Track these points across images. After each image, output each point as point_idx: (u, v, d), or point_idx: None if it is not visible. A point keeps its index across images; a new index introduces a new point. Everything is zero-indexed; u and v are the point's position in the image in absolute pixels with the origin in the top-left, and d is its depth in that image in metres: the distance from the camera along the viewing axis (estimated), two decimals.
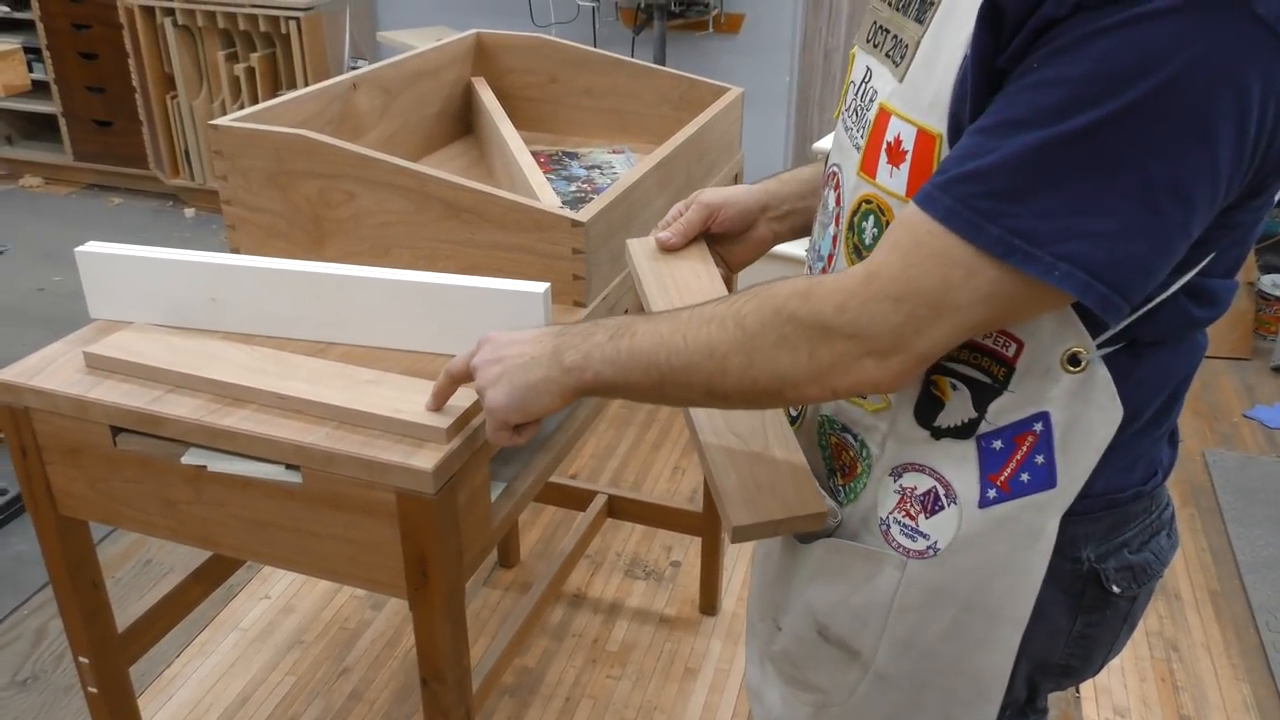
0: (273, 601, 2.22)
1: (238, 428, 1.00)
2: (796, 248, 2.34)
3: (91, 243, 1.19)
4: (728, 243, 1.11)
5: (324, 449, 0.98)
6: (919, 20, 0.76)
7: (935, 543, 0.82)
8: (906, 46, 0.77)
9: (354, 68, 4.00)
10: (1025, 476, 0.79)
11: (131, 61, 4.04)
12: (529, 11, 3.86)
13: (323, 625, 2.16)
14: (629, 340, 0.79)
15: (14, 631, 2.12)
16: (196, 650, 2.07)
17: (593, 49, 1.84)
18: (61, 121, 4.29)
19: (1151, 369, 0.78)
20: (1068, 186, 0.63)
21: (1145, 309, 0.73)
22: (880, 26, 0.83)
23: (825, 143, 2.28)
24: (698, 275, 1.05)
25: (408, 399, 1.01)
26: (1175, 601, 2.23)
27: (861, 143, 0.81)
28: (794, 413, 0.95)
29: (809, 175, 1.09)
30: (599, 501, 2.14)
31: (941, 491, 0.82)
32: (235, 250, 1.36)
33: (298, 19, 3.77)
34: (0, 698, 1.95)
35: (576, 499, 2.19)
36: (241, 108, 3.96)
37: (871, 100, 0.81)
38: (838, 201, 0.86)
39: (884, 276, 0.69)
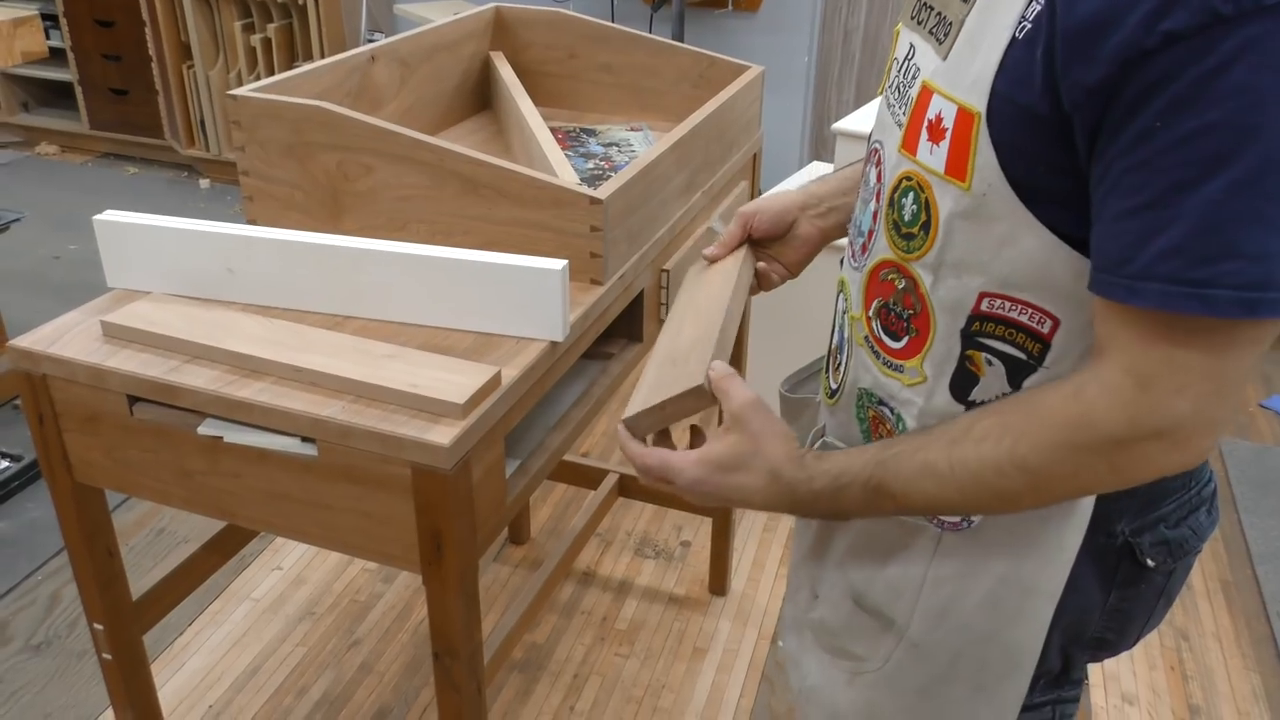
0: (284, 573, 2.23)
1: (254, 399, 1.00)
2: None
3: (109, 211, 1.19)
4: (776, 246, 1.11)
5: (340, 422, 0.98)
6: (969, 2, 0.76)
7: (973, 519, 0.83)
8: (950, 24, 0.77)
9: (370, 40, 3.98)
10: None
11: (148, 30, 4.03)
12: None
13: (334, 597, 2.17)
14: (892, 502, 0.78)
15: (28, 597, 2.13)
16: (209, 619, 2.09)
17: (612, 24, 1.83)
18: (77, 89, 4.29)
19: None
20: (1271, 225, 0.62)
21: None
22: (925, 3, 0.83)
23: (845, 123, 2.26)
24: (711, 283, 1.05)
25: (424, 373, 1.01)
26: (1186, 591, 2.23)
27: (903, 119, 0.81)
28: (833, 385, 0.96)
29: (851, 173, 1.09)
30: (610, 480, 2.14)
31: None
32: (252, 222, 1.36)
33: None
34: (15, 662, 1.97)
35: (588, 477, 2.19)
36: (258, 78, 3.95)
37: (914, 78, 0.81)
38: (879, 178, 0.86)
39: (1158, 378, 0.67)
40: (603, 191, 1.20)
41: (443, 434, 0.95)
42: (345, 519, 1.03)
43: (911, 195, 0.80)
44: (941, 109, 0.76)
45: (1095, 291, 0.68)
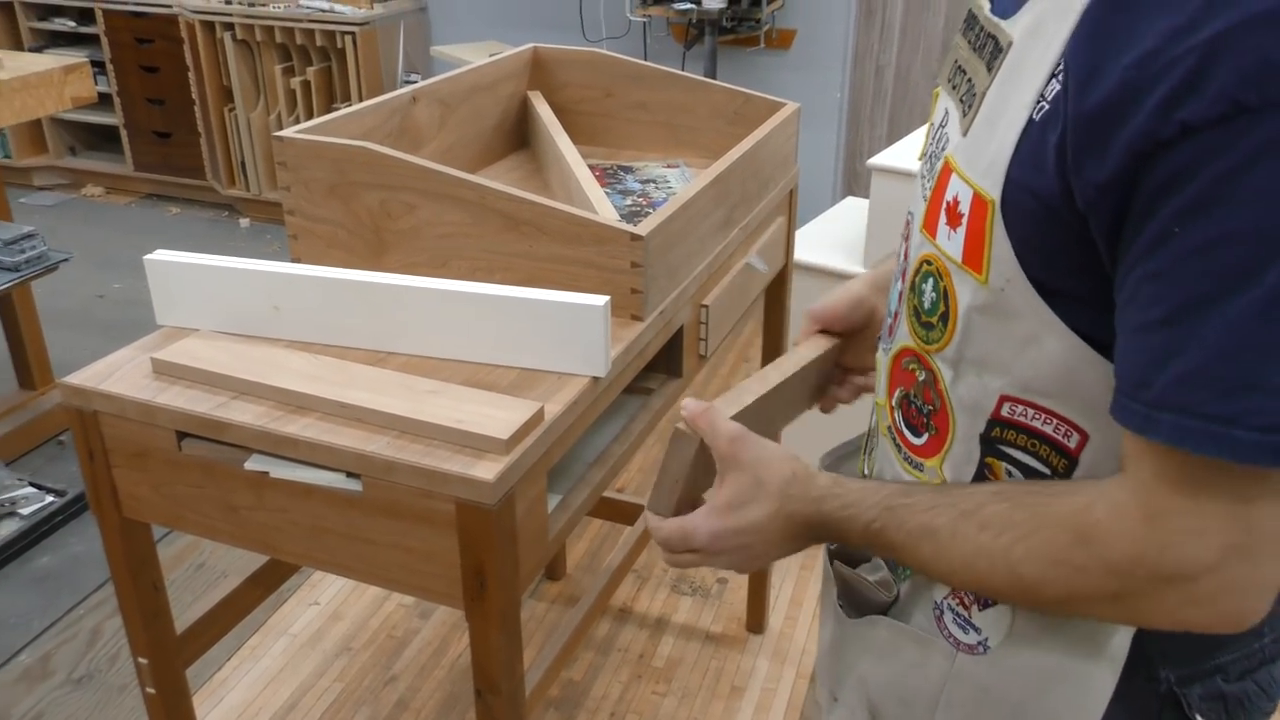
0: (322, 608, 2.24)
1: (299, 435, 1.01)
2: (857, 264, 2.31)
3: (159, 251, 1.21)
4: (855, 348, 1.01)
5: (384, 458, 0.98)
6: (989, 67, 0.69)
7: (986, 639, 0.76)
8: (975, 95, 0.70)
9: (408, 81, 4.05)
10: None
11: (191, 75, 4.13)
12: (580, 26, 3.89)
13: (370, 632, 2.17)
14: (885, 553, 0.75)
15: (70, 630, 2.16)
16: (248, 654, 2.10)
17: (647, 63, 1.85)
18: (123, 133, 4.40)
19: None
20: None
21: None
22: (959, 67, 0.76)
23: (881, 159, 2.26)
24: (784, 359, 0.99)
25: (467, 409, 1.01)
26: None
27: (927, 194, 0.76)
28: (865, 470, 0.91)
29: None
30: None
31: None
32: (297, 260, 1.38)
33: (353, 33, 3.84)
34: (56, 696, 1.99)
35: (624, 513, 2.18)
36: (297, 120, 4.03)
37: (942, 149, 0.75)
38: (905, 255, 0.81)
39: (1170, 513, 0.60)
40: (643, 228, 1.21)
41: (487, 469, 0.96)
42: (389, 554, 1.03)
43: (931, 282, 0.74)
44: (959, 192, 0.70)
45: (1114, 415, 0.61)
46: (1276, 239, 0.53)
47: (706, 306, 1.43)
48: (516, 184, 1.59)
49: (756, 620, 2.18)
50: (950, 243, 0.71)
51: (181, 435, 1.07)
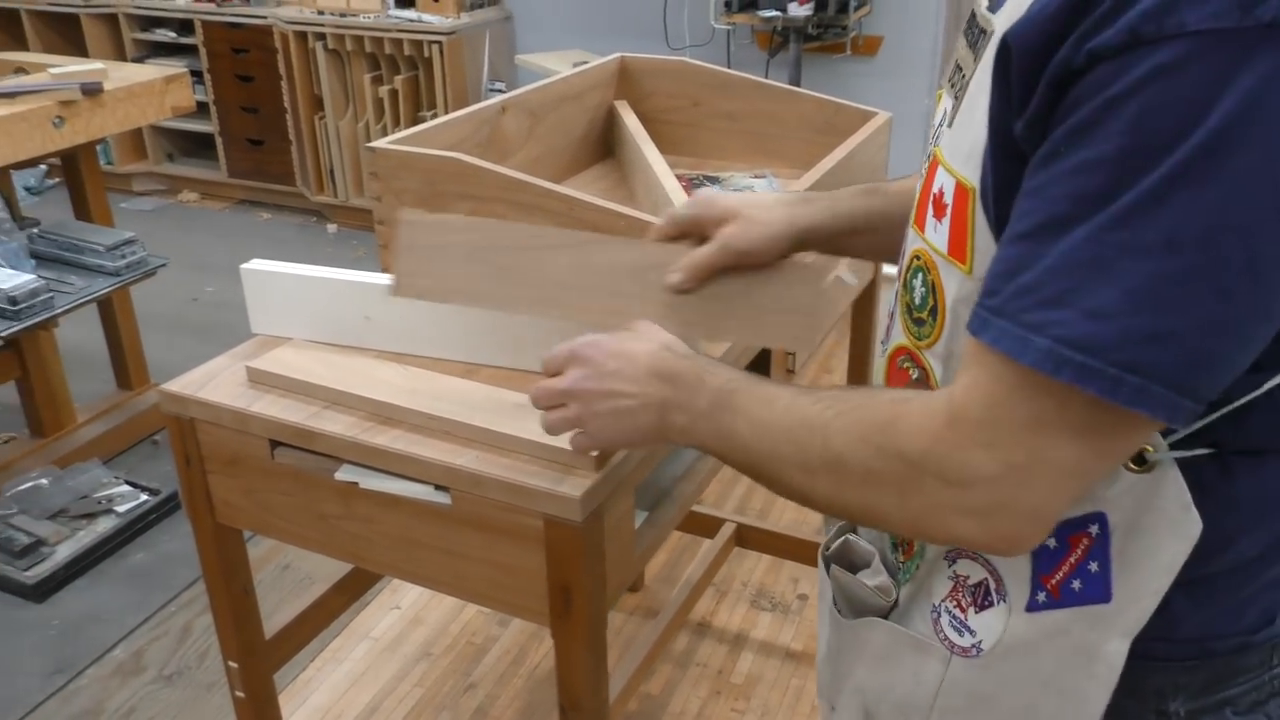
0: (403, 612, 2.26)
1: (389, 447, 1.02)
2: None
3: (255, 260, 1.23)
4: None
5: (473, 471, 0.98)
6: (976, 59, 0.69)
7: (980, 642, 0.75)
8: (966, 85, 0.71)
9: (492, 90, 4.09)
10: (1077, 584, 0.70)
11: (284, 84, 4.23)
12: (664, 34, 3.88)
13: (450, 639, 2.19)
14: (729, 419, 0.74)
15: (162, 628, 2.21)
16: (330, 656, 2.13)
17: (736, 72, 1.83)
18: (218, 140, 4.52)
19: (1251, 487, 0.67)
20: (1120, 280, 0.54)
21: (1227, 410, 0.63)
22: (958, 66, 0.76)
23: None
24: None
25: None
26: None
27: (918, 192, 0.76)
28: None
29: (877, 206, 0.97)
30: (727, 530, 2.11)
31: (992, 585, 0.74)
32: (387, 270, 1.39)
33: (440, 43, 3.89)
34: (148, 691, 2.04)
35: (703, 525, 2.16)
36: (384, 128, 4.10)
37: (935, 144, 0.75)
38: (902, 253, 0.81)
39: (968, 420, 0.61)
40: None
41: (575, 486, 0.95)
42: (475, 568, 1.03)
43: (921, 276, 0.74)
44: (944, 183, 0.70)
45: (966, 325, 0.63)
46: (1135, 167, 0.54)
47: None
48: (602, 194, 1.59)
49: None
50: (937, 235, 0.71)
51: (274, 444, 1.09)
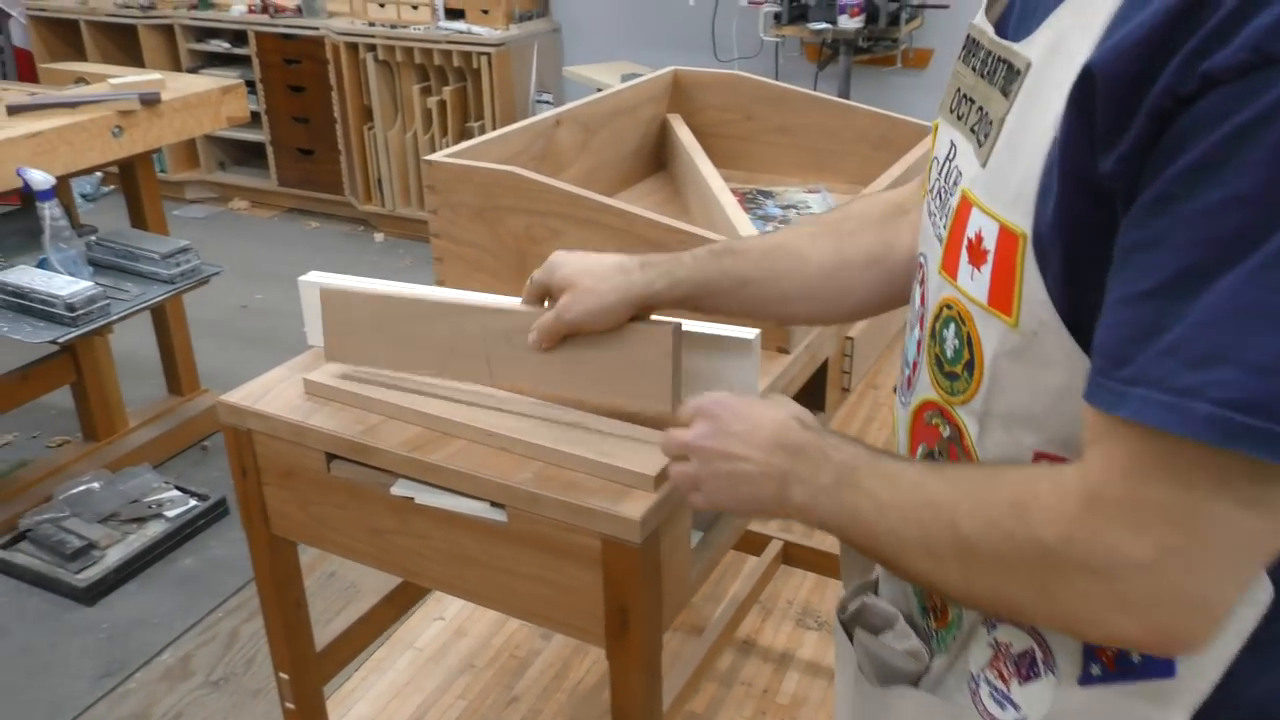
0: (446, 623, 2.26)
1: (446, 464, 1.01)
2: None
3: (312, 273, 1.23)
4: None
5: (530, 490, 0.97)
6: (1005, 92, 0.64)
7: (1025, 717, 0.69)
8: (991, 123, 0.65)
9: (540, 101, 4.11)
10: (1136, 656, 0.64)
11: (334, 94, 4.27)
12: (712, 46, 3.88)
13: (494, 651, 2.18)
14: (852, 497, 0.69)
15: (209, 633, 2.23)
16: (374, 666, 2.13)
17: (791, 86, 1.81)
18: (269, 149, 4.58)
19: None
20: None
21: None
22: (964, 95, 0.71)
23: None
24: None
25: (614, 442, 0.99)
26: None
27: (943, 234, 0.70)
28: None
29: (731, 269, 0.92)
30: (773, 547, 2.09)
31: (1040, 655, 0.68)
32: (441, 283, 1.39)
33: (489, 54, 3.91)
34: (195, 696, 2.05)
35: (749, 542, 2.14)
36: (432, 139, 4.12)
37: (955, 184, 0.70)
38: (922, 300, 0.76)
39: (1109, 500, 0.55)
40: None
41: (634, 507, 0.93)
42: (529, 586, 1.02)
43: (953, 328, 0.68)
44: (982, 226, 0.64)
45: (1085, 398, 0.56)
46: None
47: (852, 339, 1.38)
48: (655, 208, 1.58)
49: None
50: (974, 283, 0.65)
51: (330, 457, 1.09)
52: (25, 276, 2.11)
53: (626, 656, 0.99)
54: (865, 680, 0.80)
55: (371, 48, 4.08)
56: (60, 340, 2.04)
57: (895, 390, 0.84)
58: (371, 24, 4.09)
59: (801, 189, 1.77)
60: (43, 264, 2.18)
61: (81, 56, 4.64)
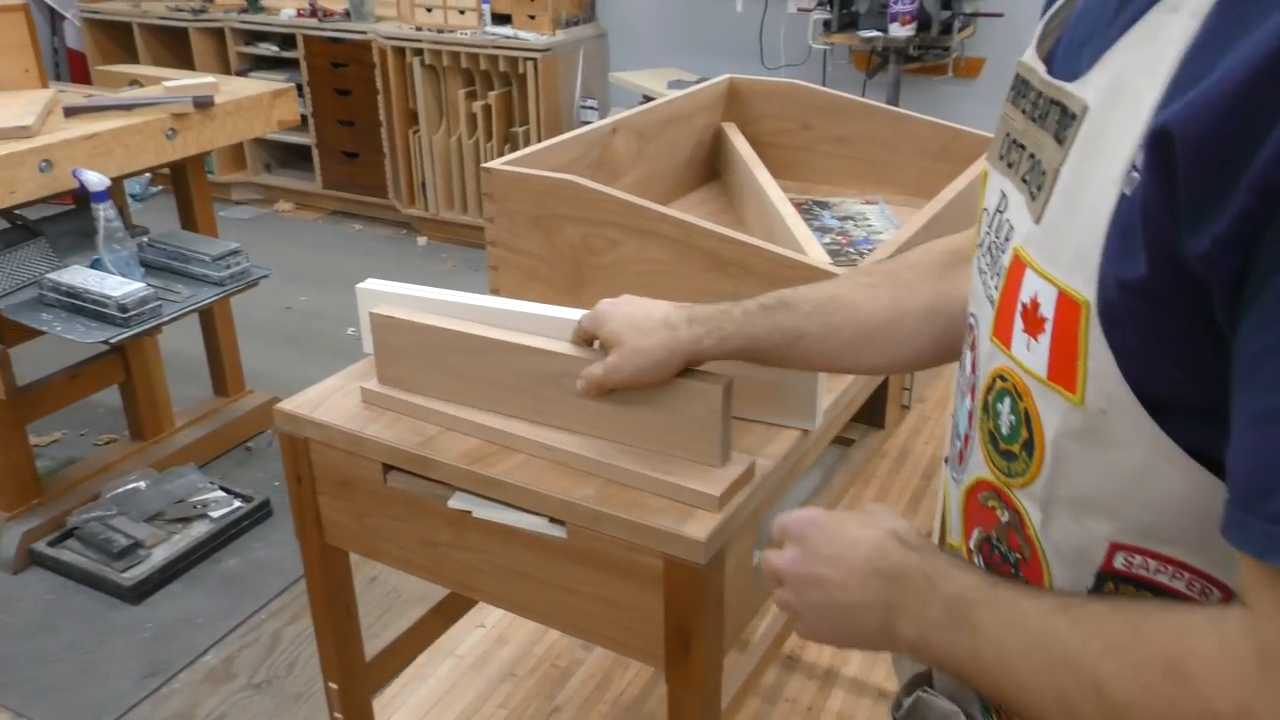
0: (487, 631, 2.24)
1: (505, 478, 0.99)
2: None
3: (370, 280, 1.22)
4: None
5: (592, 507, 0.95)
6: (1059, 139, 0.57)
7: None
8: (1044, 174, 0.58)
9: (584, 107, 4.10)
10: None
11: (380, 98, 4.29)
12: (759, 54, 3.85)
13: (535, 660, 2.16)
14: (970, 640, 0.60)
15: (252, 634, 2.23)
16: (414, 673, 2.11)
17: (849, 95, 1.79)
18: (314, 152, 4.61)
19: None
20: None
21: None
22: (1014, 140, 0.64)
23: None
24: None
25: (677, 461, 0.97)
26: None
27: (995, 295, 0.63)
28: None
29: (783, 324, 0.88)
30: None
31: None
32: (495, 291, 1.38)
33: (535, 59, 3.91)
34: (238, 699, 2.05)
35: None
36: (476, 143, 4.13)
37: (1006, 239, 0.63)
38: (972, 367, 0.68)
39: None
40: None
41: (699, 527, 0.91)
42: (588, 605, 1.00)
43: (1008, 402, 0.61)
44: (1038, 290, 0.57)
45: (1225, 535, 0.49)
46: None
47: None
48: (709, 218, 1.56)
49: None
50: (1031, 354, 0.58)
51: (387, 468, 1.07)
52: (79, 277, 2.13)
53: (686, 679, 0.96)
54: None
55: (418, 52, 4.10)
56: (112, 340, 2.05)
57: (945, 461, 0.76)
58: (419, 28, 4.10)
59: (859, 200, 1.74)
60: (96, 264, 2.20)
61: (133, 58, 4.69)
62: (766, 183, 1.56)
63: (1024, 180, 0.61)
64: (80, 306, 2.10)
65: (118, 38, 4.86)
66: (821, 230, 1.62)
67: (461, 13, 4.03)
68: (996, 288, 0.63)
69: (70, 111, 2.26)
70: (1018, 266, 0.60)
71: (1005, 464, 0.62)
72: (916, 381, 1.36)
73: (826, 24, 3.41)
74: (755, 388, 1.05)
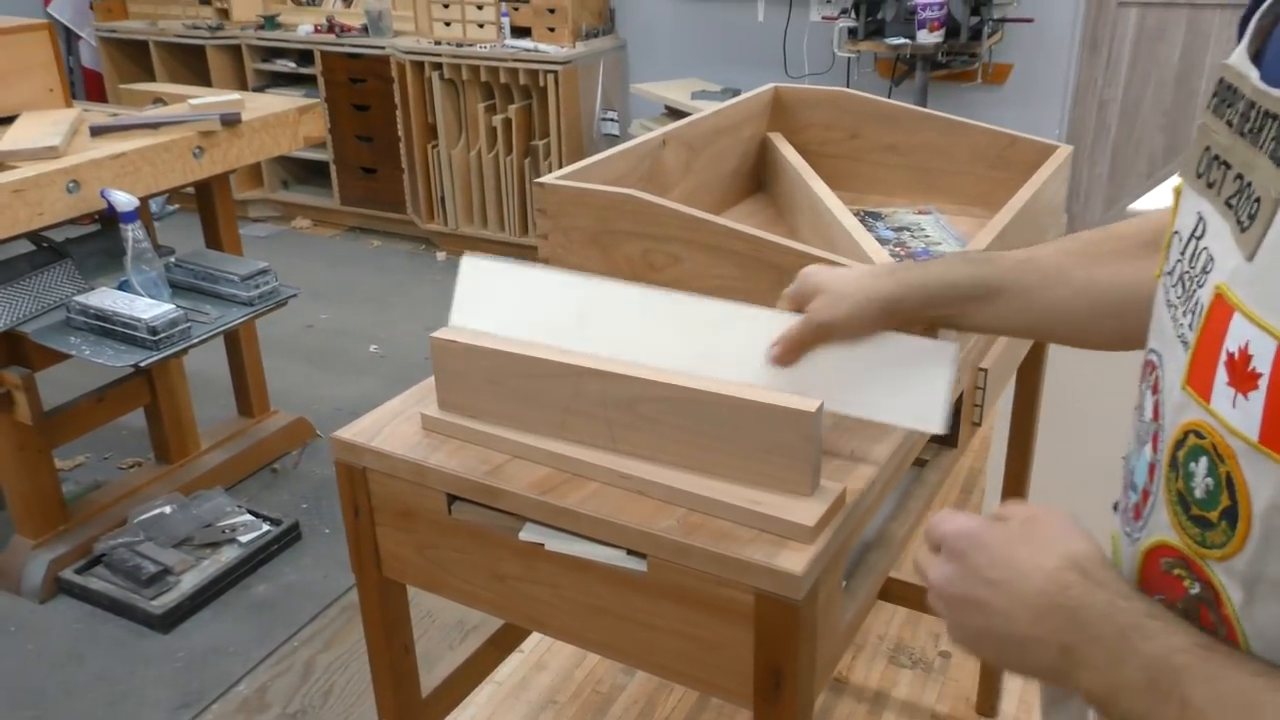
0: (525, 656, 2.19)
1: (579, 508, 0.94)
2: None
3: (468, 255, 1.11)
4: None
5: (675, 539, 0.90)
6: (1277, 160, 0.50)
7: None
8: (1258, 201, 0.51)
9: (605, 119, 4.06)
10: None
11: (399, 112, 4.26)
12: (783, 62, 3.81)
13: (575, 685, 2.11)
14: (1177, 713, 0.52)
15: (285, 663, 2.18)
16: None
17: (899, 103, 1.74)
18: (332, 168, 4.58)
19: None
20: None
21: None
22: (1217, 158, 0.56)
23: (1141, 203, 2.07)
24: None
25: (764, 492, 0.91)
26: None
27: (1190, 338, 0.56)
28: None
29: (984, 277, 0.86)
30: None
31: None
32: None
33: (555, 72, 3.87)
34: None
35: None
36: (496, 157, 4.09)
37: (1204, 272, 0.56)
38: (1155, 413, 0.61)
39: None
40: None
41: (793, 560, 0.86)
42: (669, 641, 0.95)
43: (1204, 463, 0.54)
44: (1249, 340, 0.50)
45: None
46: None
47: (985, 370, 1.29)
48: (762, 229, 1.51)
49: (987, 702, 2.01)
50: (1239, 413, 0.51)
51: (452, 498, 1.02)
52: (107, 299, 2.09)
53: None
54: None
55: (438, 66, 4.07)
56: (143, 364, 2.01)
57: (1115, 508, 0.68)
58: (438, 42, 4.07)
59: (911, 210, 1.69)
60: (124, 286, 2.16)
61: (150, 77, 4.67)
62: (823, 192, 1.51)
63: (1228, 205, 0.54)
64: (109, 329, 2.06)
65: (134, 56, 4.84)
66: (879, 241, 1.57)
67: (481, 26, 4.00)
68: (1191, 327, 0.56)
69: (96, 131, 2.23)
70: (1222, 308, 0.52)
71: (1199, 532, 0.55)
72: (988, 399, 1.31)
73: (852, 31, 3.37)
74: (877, 383, 0.96)
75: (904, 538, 1.15)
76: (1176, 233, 0.61)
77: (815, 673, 0.92)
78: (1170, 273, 0.61)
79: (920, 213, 1.69)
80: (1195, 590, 0.56)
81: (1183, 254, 0.59)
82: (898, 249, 1.54)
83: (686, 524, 0.91)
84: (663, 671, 0.98)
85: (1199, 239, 0.57)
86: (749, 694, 0.92)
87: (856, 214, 1.68)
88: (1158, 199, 2.10)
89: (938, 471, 1.25)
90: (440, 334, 1.05)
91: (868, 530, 1.14)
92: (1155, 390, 0.61)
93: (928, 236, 1.58)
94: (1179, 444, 0.56)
